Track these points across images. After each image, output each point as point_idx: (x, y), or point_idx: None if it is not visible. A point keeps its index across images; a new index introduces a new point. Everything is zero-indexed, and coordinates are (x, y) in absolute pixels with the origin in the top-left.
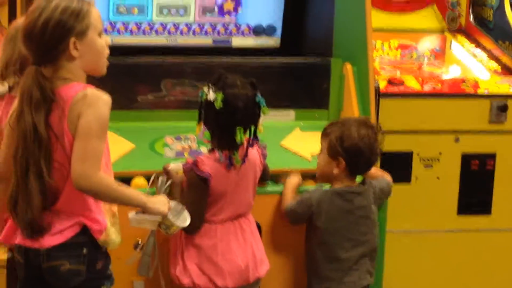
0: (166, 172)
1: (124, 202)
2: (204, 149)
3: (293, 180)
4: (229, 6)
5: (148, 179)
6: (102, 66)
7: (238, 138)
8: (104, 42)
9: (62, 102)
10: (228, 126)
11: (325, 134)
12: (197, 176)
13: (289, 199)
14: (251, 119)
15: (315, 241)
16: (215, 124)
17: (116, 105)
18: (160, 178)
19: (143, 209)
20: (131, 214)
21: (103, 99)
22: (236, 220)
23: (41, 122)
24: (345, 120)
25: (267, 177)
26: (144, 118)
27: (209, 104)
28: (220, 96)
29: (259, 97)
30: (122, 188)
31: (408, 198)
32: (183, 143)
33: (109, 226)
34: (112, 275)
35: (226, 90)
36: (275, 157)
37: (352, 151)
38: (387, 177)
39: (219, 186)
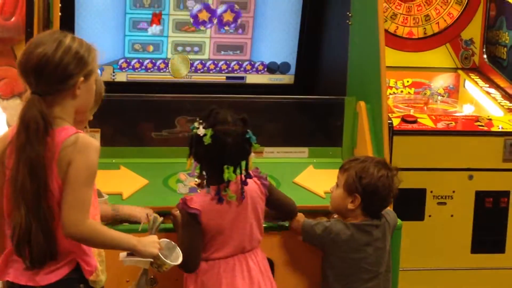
0: (173, 216)
1: (114, 247)
2: None
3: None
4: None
5: (161, 215)
6: (88, 108)
7: (226, 176)
8: (94, 87)
9: (52, 145)
10: (217, 162)
11: (344, 169)
12: (187, 214)
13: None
14: (240, 155)
15: (332, 273)
16: (204, 160)
17: (130, 141)
18: (152, 216)
19: (134, 252)
20: (123, 255)
21: (93, 146)
22: (242, 256)
23: (44, 153)
24: (365, 157)
25: (292, 214)
26: (158, 154)
27: (199, 139)
28: (209, 132)
29: (250, 134)
30: (111, 233)
31: (422, 236)
32: (196, 179)
33: (98, 265)
34: None
35: (216, 126)
36: (288, 194)
37: (369, 189)
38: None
39: (212, 221)
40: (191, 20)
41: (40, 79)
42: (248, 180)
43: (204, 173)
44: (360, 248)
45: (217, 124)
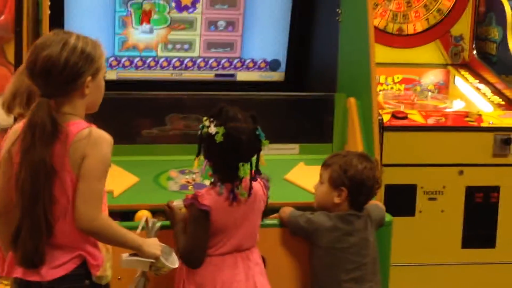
0: (170, 208)
1: (120, 244)
2: (207, 183)
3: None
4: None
5: (152, 212)
6: (98, 105)
7: (241, 173)
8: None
9: (65, 138)
10: (230, 160)
11: (326, 165)
12: (198, 210)
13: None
14: (252, 152)
15: (317, 263)
16: (216, 158)
17: (121, 139)
18: (151, 221)
19: (138, 252)
20: (125, 255)
21: (107, 140)
22: (239, 254)
23: (49, 156)
24: (346, 152)
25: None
26: (149, 151)
27: (210, 138)
28: (221, 130)
29: (259, 130)
30: (121, 230)
31: (412, 232)
32: (187, 176)
33: (105, 261)
34: None
35: (227, 124)
36: (279, 191)
37: (356, 181)
38: (380, 204)
39: (220, 220)
40: (173, 5)
41: (48, 81)
42: (254, 181)
43: (214, 171)
44: (342, 238)
45: (228, 121)
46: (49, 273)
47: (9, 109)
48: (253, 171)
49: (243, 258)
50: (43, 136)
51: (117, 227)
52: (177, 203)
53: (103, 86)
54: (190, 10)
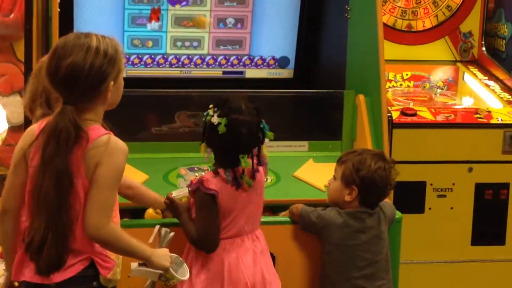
0: (170, 200)
1: (129, 254)
2: None
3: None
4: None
5: (162, 211)
6: (117, 103)
7: (243, 164)
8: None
9: (85, 144)
10: (231, 150)
11: (341, 162)
12: (205, 194)
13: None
14: (254, 144)
15: (328, 260)
16: (218, 147)
17: (130, 137)
18: (164, 230)
19: (147, 263)
20: (134, 265)
21: (123, 149)
22: (245, 237)
23: (70, 162)
24: (362, 150)
25: None
26: (158, 149)
27: (213, 127)
28: (224, 121)
29: (263, 123)
30: (130, 240)
31: (421, 229)
32: (196, 174)
33: (116, 265)
34: None
35: (230, 116)
36: (288, 188)
37: (367, 181)
38: (389, 202)
39: (226, 204)
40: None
41: (72, 89)
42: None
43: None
44: (353, 235)
45: (232, 113)
46: (56, 275)
47: (31, 112)
48: (255, 163)
49: (249, 241)
50: (67, 144)
51: (126, 237)
52: (176, 193)
53: (122, 85)
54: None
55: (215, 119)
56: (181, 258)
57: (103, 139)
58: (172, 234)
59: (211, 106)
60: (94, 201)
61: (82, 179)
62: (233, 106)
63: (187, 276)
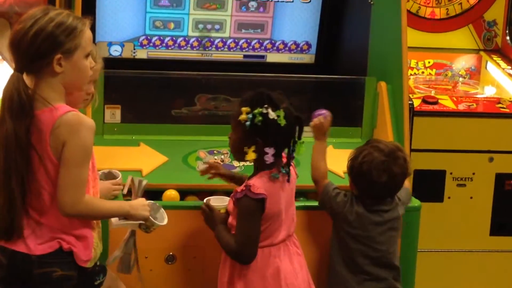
0: (210, 209)
1: (108, 217)
2: (236, 163)
3: (322, 145)
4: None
5: (181, 193)
6: (81, 86)
7: (301, 151)
8: (88, 64)
9: (42, 127)
10: (288, 140)
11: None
12: (253, 200)
13: (323, 169)
14: (301, 128)
15: (338, 246)
16: (280, 142)
17: (150, 118)
18: (137, 180)
19: (127, 217)
20: (114, 220)
21: (87, 124)
22: (289, 241)
23: (21, 130)
24: (375, 140)
25: None
26: (178, 131)
27: (272, 122)
28: (281, 113)
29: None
30: (106, 204)
31: (440, 218)
32: (215, 157)
33: (96, 241)
34: (103, 267)
35: (281, 107)
36: (307, 174)
37: (355, 171)
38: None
39: (274, 206)
40: None
41: (17, 55)
42: None
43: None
44: (367, 227)
45: (280, 103)
46: (39, 247)
47: None
48: (292, 152)
49: (293, 246)
50: (11, 109)
51: (100, 203)
52: (215, 203)
53: (82, 67)
54: None
55: (272, 114)
56: (157, 204)
57: (62, 119)
58: (145, 181)
59: (246, 108)
60: (65, 181)
61: (51, 161)
62: (275, 98)
63: (165, 221)
